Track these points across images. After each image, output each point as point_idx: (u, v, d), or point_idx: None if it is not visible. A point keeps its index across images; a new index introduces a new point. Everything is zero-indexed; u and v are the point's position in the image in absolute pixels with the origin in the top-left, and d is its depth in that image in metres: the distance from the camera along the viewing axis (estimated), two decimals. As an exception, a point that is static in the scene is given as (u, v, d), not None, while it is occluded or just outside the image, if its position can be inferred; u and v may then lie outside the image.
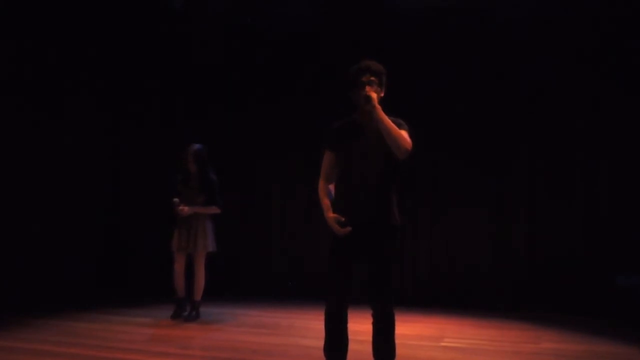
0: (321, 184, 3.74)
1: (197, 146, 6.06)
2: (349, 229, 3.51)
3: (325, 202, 3.64)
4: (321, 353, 3.71)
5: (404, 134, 3.53)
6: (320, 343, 3.72)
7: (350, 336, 3.72)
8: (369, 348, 3.72)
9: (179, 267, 6.04)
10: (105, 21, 7.52)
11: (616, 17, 6.49)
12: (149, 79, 7.95)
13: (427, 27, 7.08)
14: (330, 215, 3.57)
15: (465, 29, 6.98)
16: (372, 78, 3.57)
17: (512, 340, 5.39)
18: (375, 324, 3.66)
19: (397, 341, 3.73)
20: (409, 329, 5.66)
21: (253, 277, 7.72)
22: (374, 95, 3.50)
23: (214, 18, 7.71)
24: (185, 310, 6.10)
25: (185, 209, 5.87)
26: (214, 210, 6.02)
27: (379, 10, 7.09)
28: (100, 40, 7.61)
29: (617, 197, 6.55)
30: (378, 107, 3.48)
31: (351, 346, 3.73)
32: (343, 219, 3.52)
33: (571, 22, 6.67)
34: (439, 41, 7.06)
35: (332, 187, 3.77)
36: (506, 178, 6.98)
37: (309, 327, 5.71)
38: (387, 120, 3.48)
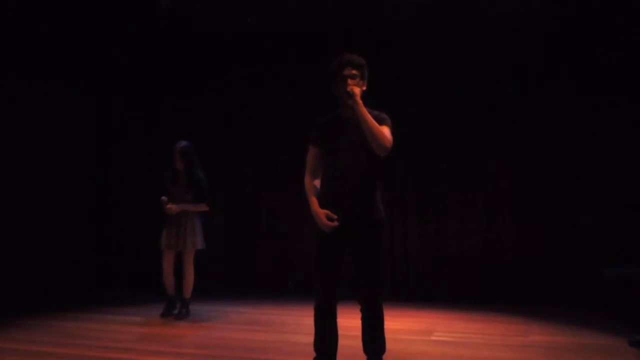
0: (307, 179, 3.72)
1: (183, 143, 6.04)
2: (336, 224, 3.52)
3: (312, 198, 3.64)
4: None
5: (385, 130, 3.54)
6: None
7: (341, 332, 3.74)
8: (359, 343, 3.74)
9: (167, 265, 6.05)
10: (95, 18, 7.50)
11: (604, 16, 6.57)
12: (141, 76, 7.94)
13: (420, 24, 7.12)
14: (320, 210, 3.57)
15: (458, 27, 7.02)
16: (354, 71, 3.56)
17: (501, 334, 5.44)
18: (364, 319, 3.69)
19: (387, 336, 3.76)
20: (400, 324, 5.69)
21: (244, 274, 7.73)
22: (357, 91, 3.49)
23: (203, 15, 7.70)
24: (176, 308, 6.10)
25: (173, 208, 5.87)
26: (203, 207, 6.01)
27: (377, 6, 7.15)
28: (89, 39, 7.59)
29: (605, 192, 6.61)
30: (360, 102, 3.48)
31: (342, 342, 3.76)
32: (335, 217, 3.52)
33: (562, 20, 6.73)
34: (433, 39, 7.11)
35: (317, 182, 3.77)
36: (496, 175, 7.01)
37: (301, 323, 5.72)
38: (368, 117, 3.47)
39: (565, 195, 6.79)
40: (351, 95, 3.47)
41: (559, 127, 6.80)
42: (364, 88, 3.63)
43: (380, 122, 3.55)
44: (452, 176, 7.13)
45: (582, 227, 6.69)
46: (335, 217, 3.53)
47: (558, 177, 6.84)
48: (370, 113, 3.54)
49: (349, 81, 3.53)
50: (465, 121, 7.07)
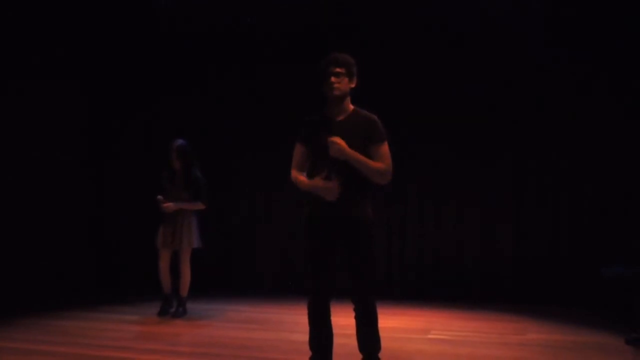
0: (293, 172, 3.73)
1: (180, 142, 6.04)
2: (336, 185, 3.49)
3: (300, 177, 3.65)
4: (311, 348, 3.73)
5: (382, 150, 3.59)
6: (311, 338, 3.73)
7: (337, 330, 3.75)
8: (355, 342, 3.74)
9: (164, 264, 6.05)
10: (90, 17, 7.51)
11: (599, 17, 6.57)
12: (139, 76, 7.94)
13: (420, 24, 7.13)
14: (315, 180, 3.55)
15: (458, 27, 7.02)
16: (338, 69, 3.57)
17: (498, 332, 5.44)
18: (357, 317, 3.69)
19: (384, 334, 3.77)
20: (397, 322, 5.70)
21: (241, 273, 7.74)
22: (340, 141, 3.47)
23: (198, 14, 7.70)
24: (172, 306, 6.11)
25: (170, 206, 5.87)
26: (199, 206, 6.01)
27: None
28: (84, 38, 7.60)
29: (601, 192, 6.61)
30: (346, 151, 3.48)
31: (338, 340, 3.76)
32: (332, 176, 3.49)
33: (557, 23, 6.74)
34: (433, 39, 7.10)
35: (302, 178, 3.76)
36: (495, 175, 7.01)
37: (299, 321, 5.63)
38: (362, 160, 3.51)
39: (565, 194, 6.79)
40: (336, 150, 3.47)
41: (559, 127, 6.79)
42: (352, 85, 3.64)
43: (375, 140, 3.58)
44: (452, 176, 7.12)
45: (581, 226, 6.69)
46: (332, 176, 3.50)
47: (557, 177, 6.83)
48: (359, 114, 3.59)
49: (334, 82, 3.53)
50: (465, 121, 7.06)
